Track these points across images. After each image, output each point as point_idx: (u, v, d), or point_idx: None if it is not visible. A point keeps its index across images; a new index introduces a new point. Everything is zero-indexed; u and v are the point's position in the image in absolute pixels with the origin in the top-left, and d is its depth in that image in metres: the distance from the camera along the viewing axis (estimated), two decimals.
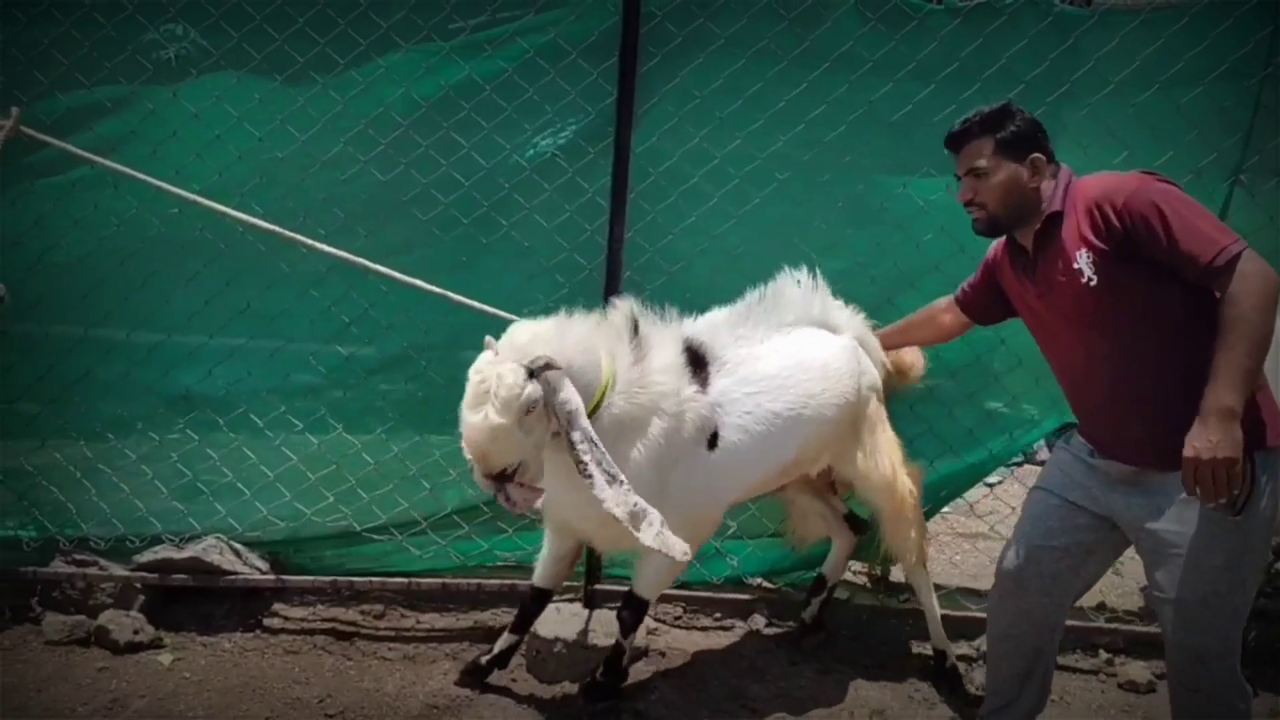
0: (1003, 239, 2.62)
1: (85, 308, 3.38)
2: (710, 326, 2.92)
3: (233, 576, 3.49)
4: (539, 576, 3.14)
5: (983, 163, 2.41)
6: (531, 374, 2.42)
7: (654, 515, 2.50)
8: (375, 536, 3.53)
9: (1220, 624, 2.27)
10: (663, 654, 3.47)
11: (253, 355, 3.50)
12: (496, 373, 2.39)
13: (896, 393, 3.42)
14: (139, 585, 3.45)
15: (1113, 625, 3.66)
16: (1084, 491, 2.48)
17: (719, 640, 3.58)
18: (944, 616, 3.42)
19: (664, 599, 3.63)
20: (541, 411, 2.45)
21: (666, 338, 2.81)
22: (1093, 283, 2.26)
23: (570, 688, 3.25)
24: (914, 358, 3.37)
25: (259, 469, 3.49)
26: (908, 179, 3.42)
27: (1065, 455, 2.57)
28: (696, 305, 3.07)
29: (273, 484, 3.49)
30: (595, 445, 2.46)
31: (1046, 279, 2.40)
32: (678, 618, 3.68)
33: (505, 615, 3.58)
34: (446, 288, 3.26)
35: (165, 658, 3.29)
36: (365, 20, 3.30)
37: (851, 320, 3.20)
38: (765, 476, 3.00)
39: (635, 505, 2.48)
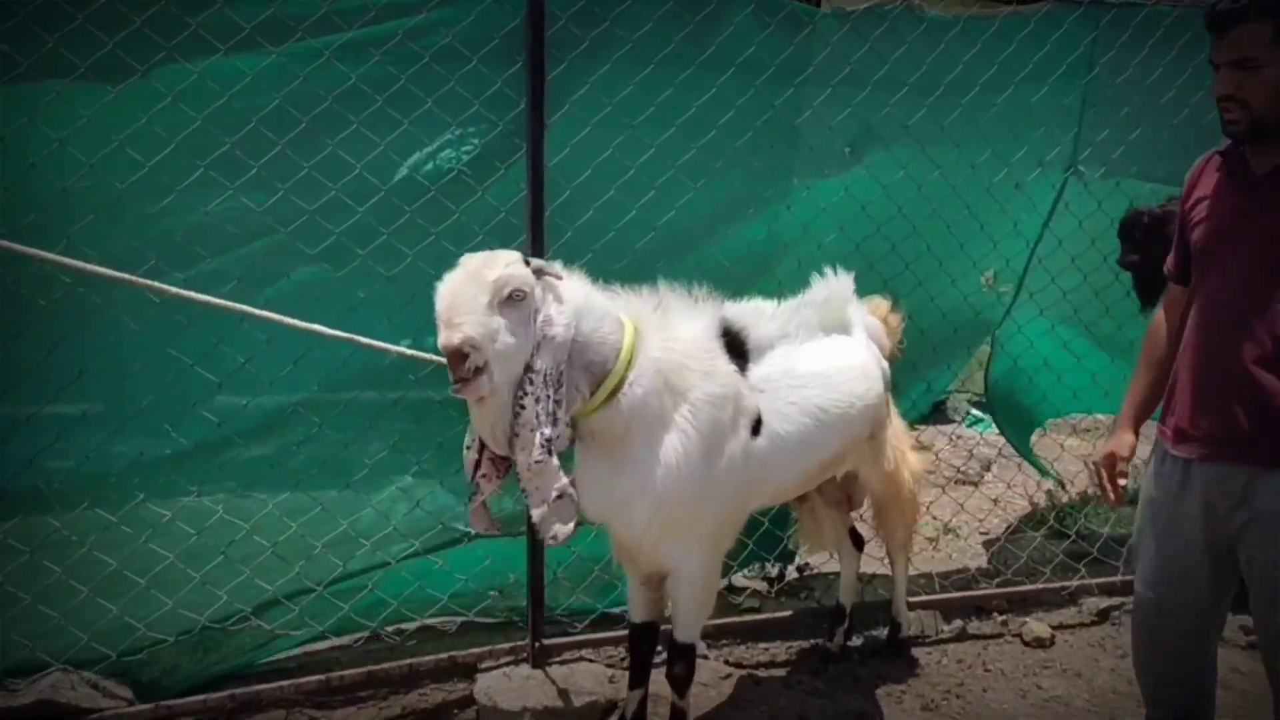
0: (1210, 154, 2.24)
1: None
2: (756, 315, 2.77)
3: (98, 714, 2.79)
4: (633, 611, 2.82)
5: (1256, 52, 1.99)
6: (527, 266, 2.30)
7: (560, 486, 2.30)
8: (293, 632, 2.97)
9: None
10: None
11: (92, 430, 2.81)
12: (496, 252, 2.33)
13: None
14: None
15: (1002, 589, 3.93)
16: (1190, 529, 2.19)
17: (706, 676, 3.30)
18: None
19: (604, 642, 3.38)
20: (523, 314, 2.25)
21: (698, 309, 2.65)
22: None
23: None
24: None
25: (122, 575, 2.81)
26: (812, 182, 3.45)
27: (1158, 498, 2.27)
28: None
29: (146, 591, 2.82)
30: (548, 384, 2.26)
31: (1268, 204, 2.08)
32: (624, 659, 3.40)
33: (438, 692, 3.18)
34: (344, 329, 2.81)
35: None
36: (221, 18, 2.75)
37: (862, 313, 3.13)
38: (806, 474, 2.89)
39: (542, 462, 2.26)
